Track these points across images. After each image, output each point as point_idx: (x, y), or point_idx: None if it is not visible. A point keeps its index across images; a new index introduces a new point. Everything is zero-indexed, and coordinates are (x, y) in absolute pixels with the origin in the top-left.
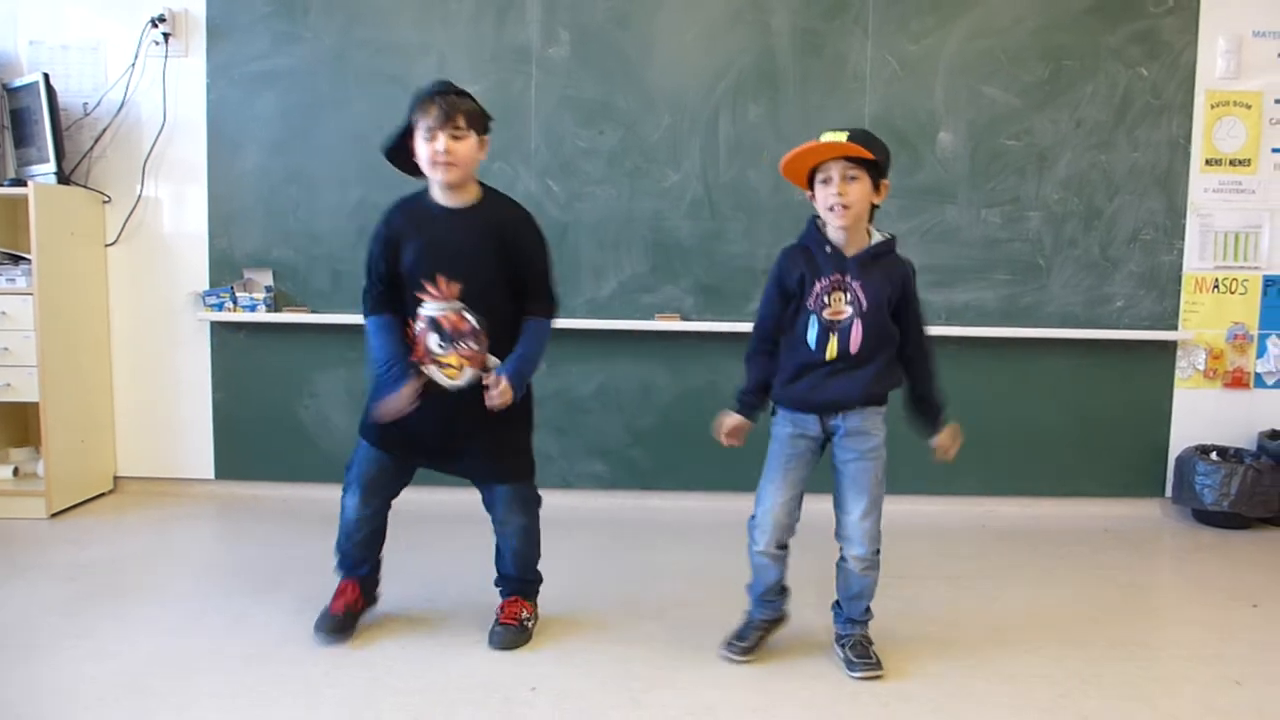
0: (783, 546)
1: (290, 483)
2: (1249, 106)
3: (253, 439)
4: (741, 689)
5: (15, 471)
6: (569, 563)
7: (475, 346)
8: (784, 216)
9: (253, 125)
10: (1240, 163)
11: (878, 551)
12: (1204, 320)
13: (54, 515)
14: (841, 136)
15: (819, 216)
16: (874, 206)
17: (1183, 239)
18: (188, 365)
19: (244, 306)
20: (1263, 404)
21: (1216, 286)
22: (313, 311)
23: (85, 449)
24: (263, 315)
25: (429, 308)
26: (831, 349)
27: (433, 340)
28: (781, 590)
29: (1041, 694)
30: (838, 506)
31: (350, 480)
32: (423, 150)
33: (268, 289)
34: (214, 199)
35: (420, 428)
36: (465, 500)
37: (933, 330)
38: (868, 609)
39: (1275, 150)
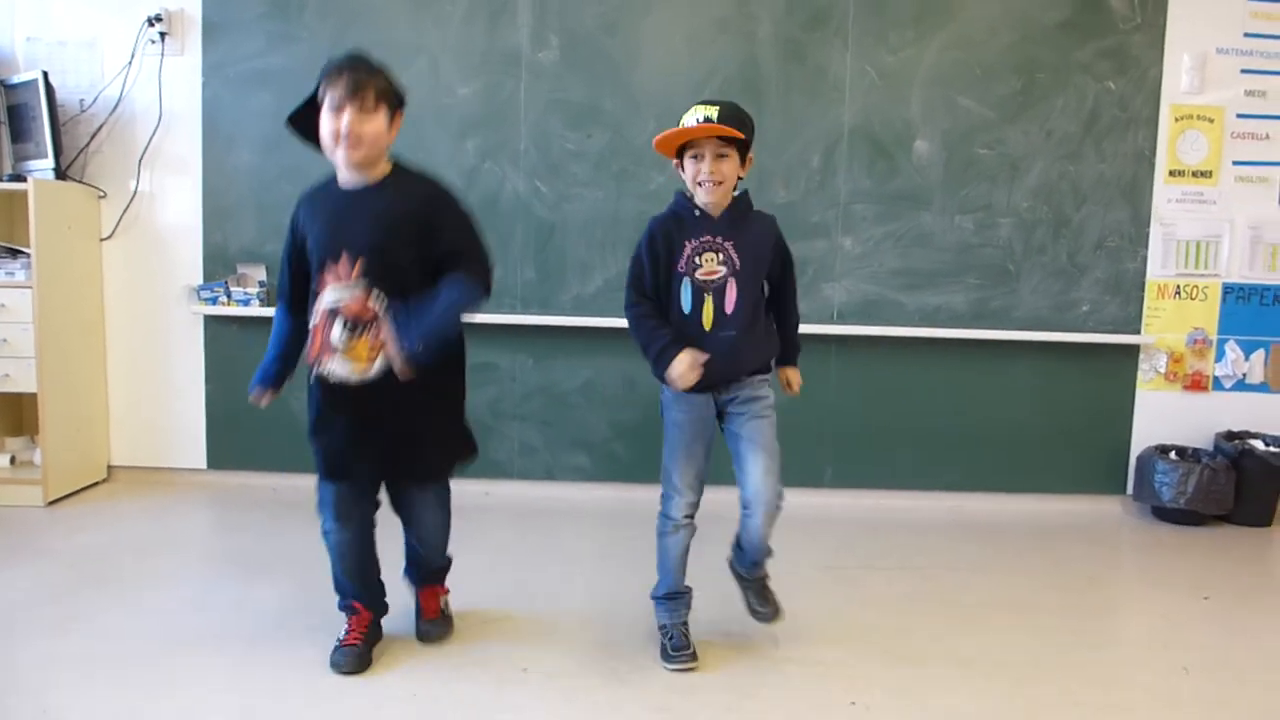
0: (690, 516)
1: (281, 473)
2: (1211, 120)
3: (245, 430)
4: (721, 673)
5: (12, 460)
6: (555, 552)
7: (383, 333)
8: None
9: (247, 123)
10: (1202, 174)
11: (779, 507)
12: (1165, 325)
13: (50, 503)
14: (713, 112)
15: (683, 191)
16: (739, 178)
17: (1146, 247)
18: (181, 358)
19: (238, 301)
20: (1220, 406)
21: (1178, 293)
22: None
23: (80, 439)
24: (256, 309)
25: (329, 294)
26: (707, 314)
27: (336, 331)
28: (686, 591)
29: (998, 679)
30: (739, 469)
31: (323, 508)
32: (326, 125)
33: (261, 284)
34: (209, 195)
35: (345, 437)
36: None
37: (905, 331)
38: (768, 548)
39: (1236, 163)
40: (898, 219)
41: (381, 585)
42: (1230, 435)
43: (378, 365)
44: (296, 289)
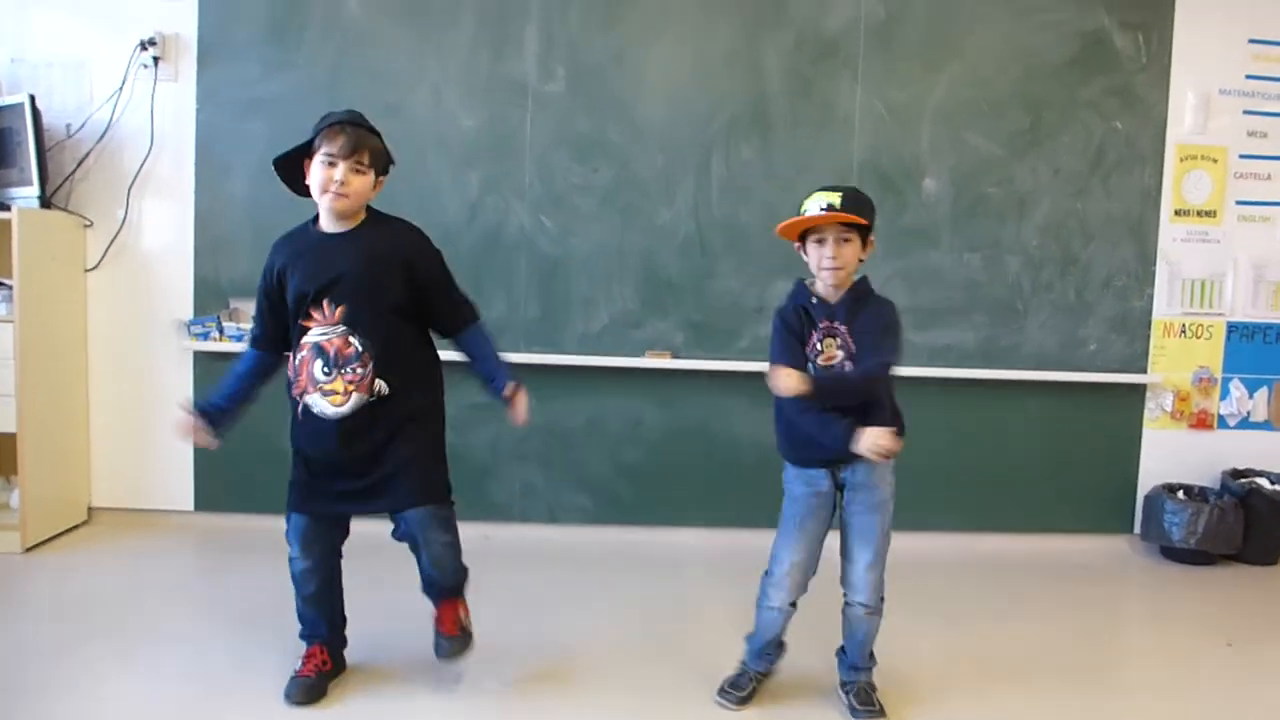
0: (794, 604)
1: (274, 515)
2: (1215, 160)
3: (235, 470)
4: None
5: None
6: (566, 600)
7: (360, 371)
8: (774, 255)
9: (243, 151)
10: (1206, 214)
11: (882, 599)
12: (1171, 364)
13: (29, 549)
14: (836, 198)
15: (804, 279)
16: (860, 260)
17: (1152, 285)
18: (168, 394)
19: (231, 336)
20: (1226, 444)
21: (1183, 331)
22: None
23: (60, 479)
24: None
25: (313, 333)
26: None
27: (317, 367)
28: (780, 645)
29: None
30: (844, 555)
31: (290, 538)
32: (318, 174)
33: None
34: (200, 225)
35: (321, 467)
36: None
37: (914, 370)
38: (871, 655)
39: (1239, 203)
40: (906, 256)
41: (343, 619)
42: (1236, 473)
43: (352, 401)
44: (271, 331)
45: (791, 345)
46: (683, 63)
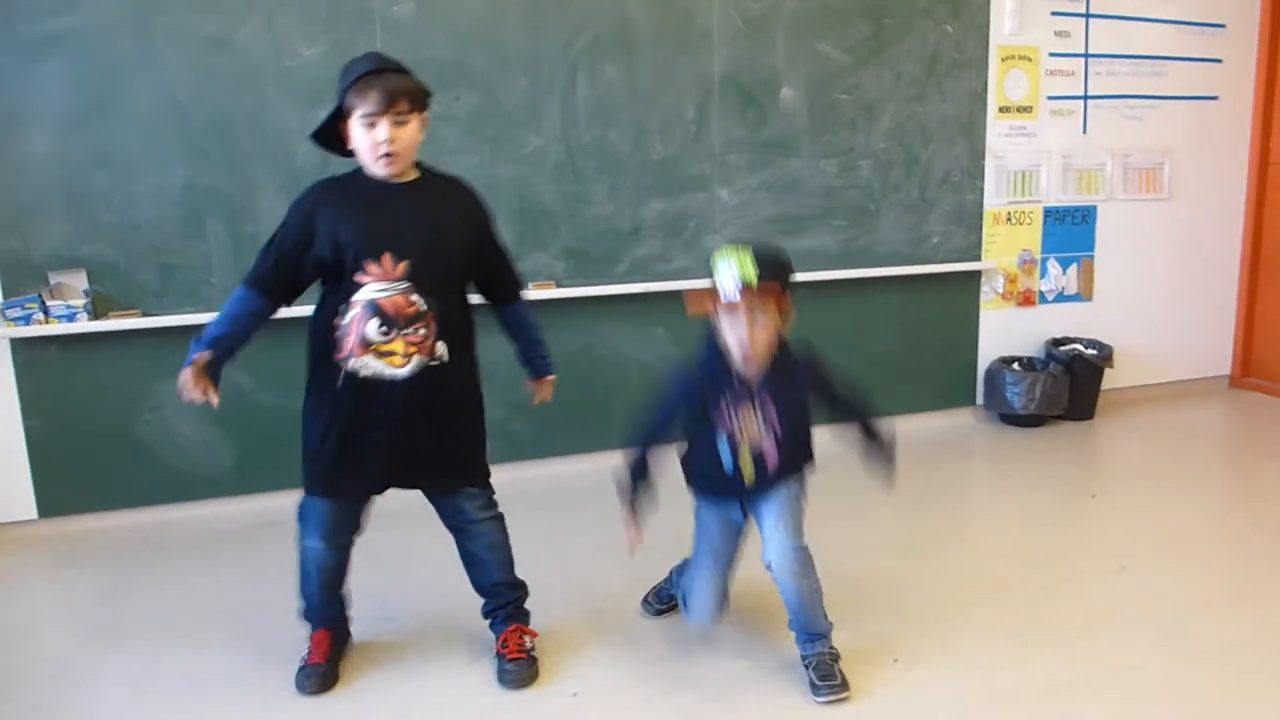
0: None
1: (137, 508)
2: (1030, 60)
3: (83, 467)
4: (772, 658)
5: None
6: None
7: (424, 332)
8: (645, 175)
9: (39, 100)
10: (1024, 109)
11: (803, 548)
12: (1001, 249)
13: None
14: (751, 270)
15: (714, 339)
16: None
17: (983, 179)
18: None
19: (58, 317)
20: (1047, 317)
21: (1009, 219)
22: (145, 314)
23: None
24: (84, 325)
25: (369, 290)
26: (748, 470)
27: (373, 326)
28: None
29: (1009, 609)
30: (762, 536)
31: (308, 526)
32: (362, 139)
33: (85, 293)
34: None
35: (366, 439)
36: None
37: None
38: (825, 618)
39: (1050, 98)
40: (770, 166)
41: (345, 603)
42: (1056, 342)
43: (413, 364)
44: (277, 279)
45: (669, 409)
46: None
